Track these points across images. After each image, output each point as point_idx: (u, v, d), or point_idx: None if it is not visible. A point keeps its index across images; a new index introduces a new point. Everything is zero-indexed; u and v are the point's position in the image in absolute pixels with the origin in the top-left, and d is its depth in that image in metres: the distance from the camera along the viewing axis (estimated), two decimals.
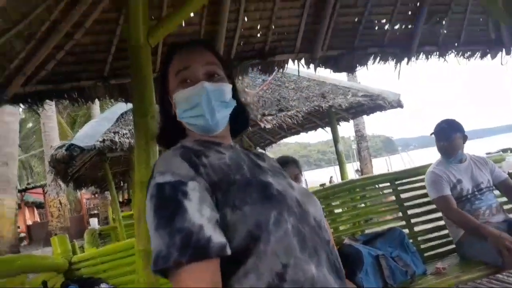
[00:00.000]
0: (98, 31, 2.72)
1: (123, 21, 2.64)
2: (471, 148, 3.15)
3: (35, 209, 25.08)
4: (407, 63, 3.84)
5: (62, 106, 20.02)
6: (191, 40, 1.12)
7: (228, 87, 1.02)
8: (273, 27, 3.11)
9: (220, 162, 0.92)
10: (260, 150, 1.26)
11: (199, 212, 0.79)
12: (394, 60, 3.78)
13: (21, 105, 3.04)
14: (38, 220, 22.88)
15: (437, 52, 3.84)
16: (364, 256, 2.34)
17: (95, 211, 17.52)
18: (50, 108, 11.70)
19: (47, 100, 3.03)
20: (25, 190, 19.07)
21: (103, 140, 5.02)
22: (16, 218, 11.48)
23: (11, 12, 2.16)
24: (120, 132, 5.20)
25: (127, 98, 3.19)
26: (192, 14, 2.76)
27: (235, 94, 1.07)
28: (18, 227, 17.15)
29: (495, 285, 1.40)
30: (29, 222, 19.69)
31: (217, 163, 0.91)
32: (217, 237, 0.77)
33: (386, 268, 2.34)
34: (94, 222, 13.58)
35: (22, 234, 17.52)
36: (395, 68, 3.86)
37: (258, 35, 3.15)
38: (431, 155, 2.92)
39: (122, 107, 5.71)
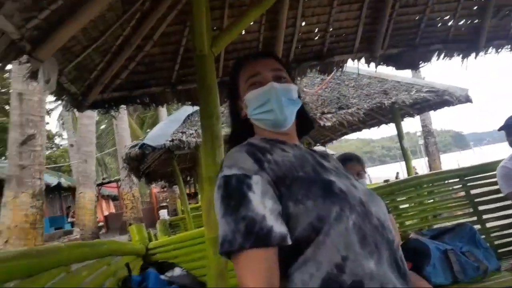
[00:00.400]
0: (165, 43, 2.97)
1: (188, 32, 2.86)
2: None
3: (110, 201, 27.09)
4: (475, 57, 3.70)
5: (132, 109, 21.43)
6: (256, 52, 1.25)
7: (294, 87, 1.10)
8: (331, 29, 3.17)
9: (285, 158, 0.97)
10: (322, 148, 1.32)
11: (262, 204, 0.85)
12: (461, 55, 3.66)
13: (100, 110, 3.41)
14: (114, 211, 24.70)
15: (509, 46, 3.66)
16: (431, 250, 2.31)
17: (164, 204, 18.53)
18: (121, 111, 12.61)
19: (121, 105, 3.36)
20: (101, 184, 20.70)
21: (172, 140, 5.39)
22: (95, 209, 12.67)
23: (91, 30, 2.44)
24: (187, 132, 5.56)
25: (193, 101, 3.43)
26: (251, 23, 2.90)
27: (299, 96, 1.15)
28: (97, 217, 18.74)
29: None
30: (106, 213, 21.35)
31: (281, 159, 0.96)
32: (278, 227, 0.84)
33: (456, 263, 2.30)
34: (164, 213, 14.40)
35: (101, 223, 19.07)
36: (462, 62, 3.74)
37: (316, 38, 3.23)
38: (507, 150, 2.79)
39: (188, 109, 6.07)
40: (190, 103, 3.52)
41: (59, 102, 2.96)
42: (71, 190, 18.76)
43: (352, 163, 2.36)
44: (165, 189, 17.42)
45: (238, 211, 0.85)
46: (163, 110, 16.87)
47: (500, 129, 2.71)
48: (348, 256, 0.83)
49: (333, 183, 0.92)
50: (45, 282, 1.31)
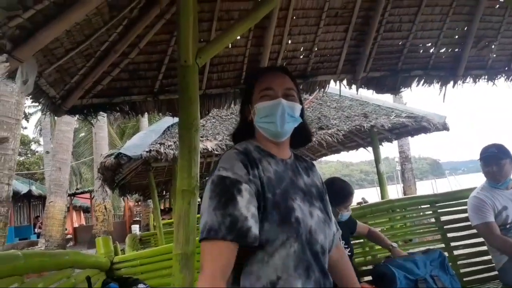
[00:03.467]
0: (150, 51, 2.92)
1: (174, 42, 2.82)
2: None
3: (81, 212, 26.29)
4: (453, 86, 3.76)
5: (113, 118, 21.11)
6: (276, 66, 1.37)
7: (298, 107, 1.27)
8: (316, 49, 3.19)
9: (265, 175, 1.16)
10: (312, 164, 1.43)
11: (247, 208, 1.06)
12: (439, 83, 3.73)
13: (78, 116, 3.30)
14: (84, 223, 23.94)
15: (486, 76, 3.75)
16: (399, 279, 2.30)
17: (137, 218, 18.08)
18: (102, 119, 12.40)
19: (101, 112, 3.26)
20: (74, 194, 20.08)
21: (149, 151, 5.28)
22: (65, 220, 12.19)
23: (76, 33, 2.37)
24: (166, 144, 5.46)
25: (174, 112, 3.36)
26: (238, 37, 2.89)
27: (302, 113, 1.32)
28: (66, 229, 18.05)
29: None
30: (76, 225, 20.66)
31: (263, 175, 1.15)
32: (255, 230, 1.05)
33: None
34: (135, 228, 14.01)
35: (69, 236, 18.38)
36: (440, 90, 3.80)
37: (301, 56, 3.24)
38: (480, 181, 2.84)
39: (169, 121, 5.99)
40: (171, 114, 3.45)
41: (39, 107, 2.86)
42: (42, 199, 18.16)
43: (351, 199, 2.45)
44: (139, 203, 17.04)
45: (227, 208, 1.06)
46: (144, 121, 16.66)
47: (480, 158, 2.73)
48: (282, 276, 1.07)
49: (292, 212, 1.11)
50: None
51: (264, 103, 1.24)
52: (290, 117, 1.24)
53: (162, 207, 12.58)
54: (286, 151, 1.30)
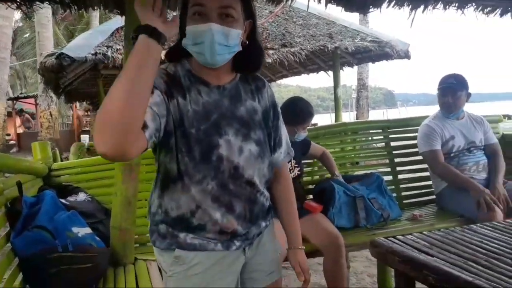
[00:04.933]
0: None
1: None
2: (471, 108, 3.08)
3: None
4: (423, 11, 3.61)
5: (60, 17, 19.21)
6: None
7: (235, 32, 1.05)
8: None
9: (192, 107, 1.07)
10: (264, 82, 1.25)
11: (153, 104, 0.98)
12: (410, 6, 3.55)
13: (9, 4, 2.85)
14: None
15: (456, 4, 3.61)
16: (338, 194, 2.38)
17: (87, 128, 17.52)
18: (45, 17, 11.19)
19: (37, 2, 2.82)
20: (16, 98, 18.81)
21: (95, 53, 4.79)
22: (5, 124, 11.42)
23: None
24: (114, 47, 4.96)
25: (123, 11, 2.99)
26: None
27: (254, 34, 1.14)
28: (8, 135, 17.19)
29: (468, 234, 1.41)
30: (20, 131, 19.71)
31: (188, 108, 1.06)
32: (151, 125, 0.96)
33: (362, 209, 2.39)
34: (85, 138, 13.60)
35: (13, 142, 17.61)
36: (410, 15, 3.64)
37: None
38: (430, 113, 2.88)
39: (119, 21, 5.40)
40: (119, 12, 3.06)
41: None
42: None
43: (310, 120, 2.41)
44: (89, 112, 16.34)
45: None
46: (95, 23, 15.29)
47: (438, 88, 2.71)
48: (201, 206, 1.07)
49: (215, 149, 1.06)
50: None
51: (192, 26, 1.03)
52: (224, 47, 1.04)
53: None
54: (224, 75, 1.15)
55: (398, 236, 1.43)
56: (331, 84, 7.16)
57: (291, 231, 1.33)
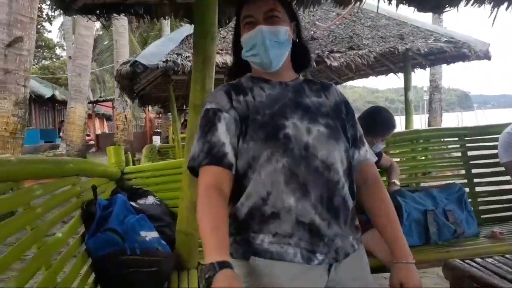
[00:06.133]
0: None
1: None
2: None
3: (105, 120, 27.06)
4: (507, 8, 3.28)
5: (135, 26, 20.50)
6: None
7: (283, 29, 1.15)
8: None
9: (257, 99, 1.13)
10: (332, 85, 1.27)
11: (225, 134, 1.07)
12: (492, 3, 3.24)
13: (89, 16, 3.07)
14: (107, 131, 24.70)
15: None
16: (406, 211, 2.20)
17: (159, 130, 18.49)
18: (122, 26, 11.99)
19: (114, 14, 3.02)
20: (96, 102, 20.44)
21: (166, 61, 5.01)
22: (85, 126, 12.42)
23: None
24: (183, 55, 5.15)
25: (192, 19, 3.09)
26: None
27: (299, 33, 1.23)
28: (88, 135, 18.66)
29: None
30: (99, 132, 21.34)
31: (252, 100, 1.13)
32: (231, 156, 1.06)
33: (433, 224, 2.20)
34: (157, 139, 14.39)
35: (92, 142, 19.11)
36: (491, 13, 3.33)
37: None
38: (511, 117, 2.58)
39: (188, 29, 5.62)
40: (188, 20, 3.17)
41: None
42: (66, 104, 18.57)
43: (391, 133, 2.34)
44: (160, 115, 17.24)
45: (207, 136, 1.08)
46: (167, 30, 16.09)
47: None
48: (272, 191, 1.03)
49: (280, 129, 1.06)
50: None
51: (246, 35, 1.16)
52: (274, 43, 1.13)
53: (183, 121, 12.69)
54: (286, 75, 1.21)
55: (476, 259, 1.30)
56: (400, 85, 6.81)
57: (396, 242, 1.13)
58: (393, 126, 2.29)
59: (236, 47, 1.24)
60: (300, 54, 1.23)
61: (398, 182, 2.47)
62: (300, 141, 1.06)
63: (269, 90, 1.15)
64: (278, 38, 1.13)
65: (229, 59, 5.22)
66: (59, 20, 27.27)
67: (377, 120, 2.24)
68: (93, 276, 1.74)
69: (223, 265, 0.88)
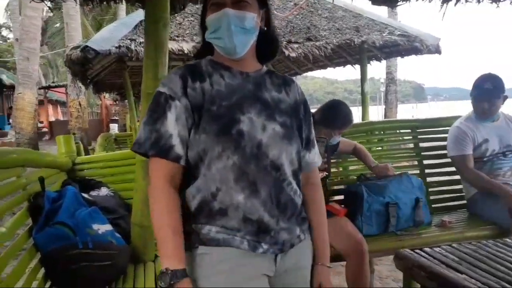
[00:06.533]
0: None
1: None
2: (508, 108, 2.90)
3: (58, 107, 25.81)
4: (455, 4, 3.43)
5: (88, 9, 19.53)
6: None
7: (251, 15, 1.09)
8: None
9: (215, 87, 1.09)
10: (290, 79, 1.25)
11: (174, 125, 1.05)
12: None
13: None
14: (61, 118, 23.60)
15: None
16: (367, 202, 2.26)
17: (116, 117, 17.90)
18: (73, 8, 11.34)
19: None
20: (48, 87, 19.40)
21: (119, 46, 4.78)
22: (35, 113, 11.71)
23: None
24: (137, 40, 4.93)
25: (144, 3, 2.98)
26: None
27: (268, 21, 1.18)
28: (41, 122, 17.73)
29: (502, 249, 1.32)
30: (52, 119, 20.33)
31: (211, 88, 1.09)
32: (179, 149, 1.05)
33: (394, 217, 2.26)
34: (114, 127, 13.94)
35: (45, 130, 18.20)
36: (441, 7, 3.47)
37: None
38: (461, 109, 2.71)
39: (142, 14, 5.41)
40: (140, 5, 3.05)
41: None
42: (14, 89, 17.50)
43: (348, 127, 2.35)
44: (117, 102, 16.66)
45: (155, 123, 1.05)
46: (122, 15, 15.38)
47: (472, 94, 2.56)
48: (221, 188, 1.03)
49: (235, 124, 1.04)
50: None
51: (210, 16, 1.10)
52: (240, 29, 1.07)
53: (140, 108, 12.35)
54: (249, 65, 1.16)
55: (425, 249, 1.36)
56: (359, 76, 6.98)
57: (319, 245, 1.21)
58: (350, 121, 2.32)
59: (203, 28, 1.18)
60: (266, 44, 1.18)
61: (378, 165, 2.50)
62: (253, 139, 1.05)
63: (229, 79, 1.11)
64: (244, 24, 1.07)
65: (185, 46, 5.11)
66: (5, 0, 25.47)
67: (336, 114, 2.27)
68: (42, 271, 1.66)
69: (184, 273, 0.98)
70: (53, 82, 21.47)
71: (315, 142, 1.26)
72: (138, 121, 7.33)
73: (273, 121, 1.09)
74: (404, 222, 2.30)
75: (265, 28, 1.16)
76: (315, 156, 1.25)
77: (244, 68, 1.14)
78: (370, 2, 3.47)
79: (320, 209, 1.24)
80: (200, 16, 1.20)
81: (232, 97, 1.08)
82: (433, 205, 2.76)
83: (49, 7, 3.09)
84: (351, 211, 2.26)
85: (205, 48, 1.19)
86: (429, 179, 2.86)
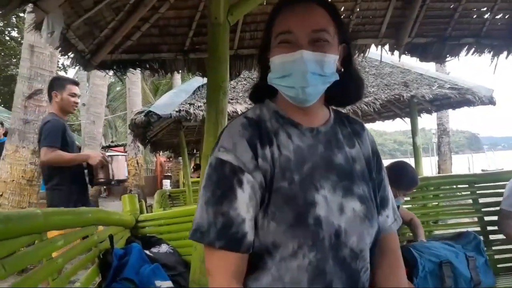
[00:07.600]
0: (182, 6, 2.82)
1: None
2: None
3: None
4: (507, 56, 3.44)
5: (147, 74, 21.28)
6: None
7: (331, 58, 0.86)
8: (358, 9, 2.96)
9: (282, 154, 0.87)
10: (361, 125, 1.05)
11: (247, 207, 0.82)
12: (491, 52, 3.41)
13: (107, 71, 3.28)
14: None
15: None
16: (421, 264, 2.18)
17: (169, 174, 18.60)
18: (135, 75, 12.46)
19: (130, 68, 3.23)
20: (109, 147, 20.73)
21: (179, 110, 5.24)
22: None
23: None
24: (195, 104, 5.39)
25: (204, 72, 3.28)
26: None
27: (349, 59, 0.96)
28: None
29: None
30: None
31: (278, 155, 0.87)
32: (251, 236, 0.83)
33: (449, 277, 2.16)
34: (167, 183, 14.45)
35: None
36: (491, 61, 3.49)
37: (341, 17, 3.01)
38: None
39: (200, 80, 5.88)
40: (200, 74, 3.37)
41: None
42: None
43: (413, 189, 2.34)
44: (170, 159, 17.42)
45: (222, 204, 0.82)
46: (177, 79, 16.65)
47: None
48: None
49: (312, 209, 0.83)
50: (12, 250, 1.19)
51: (279, 56, 0.86)
52: (318, 77, 0.85)
53: (193, 165, 12.82)
54: (317, 115, 0.95)
55: None
56: (408, 127, 6.89)
57: None
58: (416, 182, 2.31)
59: (263, 63, 0.97)
60: (348, 86, 0.95)
61: (425, 240, 2.45)
62: (331, 227, 0.84)
63: (298, 141, 0.89)
64: (323, 70, 0.85)
65: (239, 107, 5.42)
66: (73, 69, 28.34)
67: (403, 175, 2.27)
68: None
69: None
70: (112, 142, 22.98)
71: (389, 198, 1.03)
72: (191, 176, 7.63)
73: (350, 197, 0.88)
74: (463, 282, 2.16)
75: (342, 69, 0.94)
76: (387, 219, 1.00)
77: (313, 120, 0.93)
78: (418, 59, 3.59)
79: (399, 280, 0.99)
80: (260, 48, 0.98)
81: (303, 167, 0.87)
82: (498, 265, 2.59)
83: (119, 78, 3.50)
84: (408, 273, 2.18)
85: (264, 91, 0.97)
86: (492, 237, 2.70)
